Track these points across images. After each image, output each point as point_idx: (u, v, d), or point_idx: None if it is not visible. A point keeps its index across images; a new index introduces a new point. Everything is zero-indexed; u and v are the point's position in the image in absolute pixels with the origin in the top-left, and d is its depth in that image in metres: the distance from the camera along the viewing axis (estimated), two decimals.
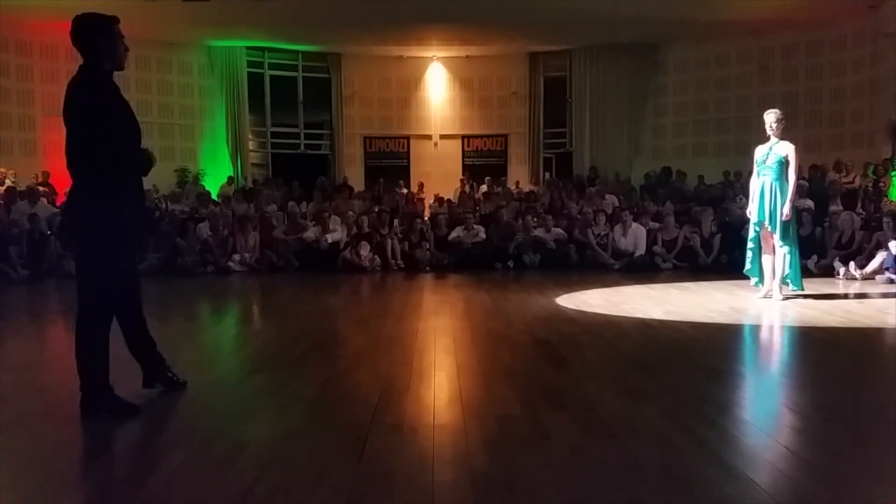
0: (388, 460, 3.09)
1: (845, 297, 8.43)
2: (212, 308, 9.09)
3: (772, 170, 7.51)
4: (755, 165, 7.67)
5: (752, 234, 7.75)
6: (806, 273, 10.63)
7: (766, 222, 7.51)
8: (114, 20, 3.71)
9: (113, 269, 3.75)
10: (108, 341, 3.84)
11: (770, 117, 7.66)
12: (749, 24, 15.42)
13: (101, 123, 3.59)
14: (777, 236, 7.48)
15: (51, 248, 11.71)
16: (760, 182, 7.59)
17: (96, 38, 3.66)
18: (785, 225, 7.45)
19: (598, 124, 18.22)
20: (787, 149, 7.54)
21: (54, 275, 11.37)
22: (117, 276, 3.80)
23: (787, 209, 7.40)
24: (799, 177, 7.82)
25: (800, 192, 13.07)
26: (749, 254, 7.85)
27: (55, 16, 14.45)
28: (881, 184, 12.73)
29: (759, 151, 7.70)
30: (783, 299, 7.54)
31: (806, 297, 7.85)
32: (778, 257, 7.56)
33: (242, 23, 15.59)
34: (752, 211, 7.68)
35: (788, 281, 7.69)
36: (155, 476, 2.93)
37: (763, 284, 7.79)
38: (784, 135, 7.63)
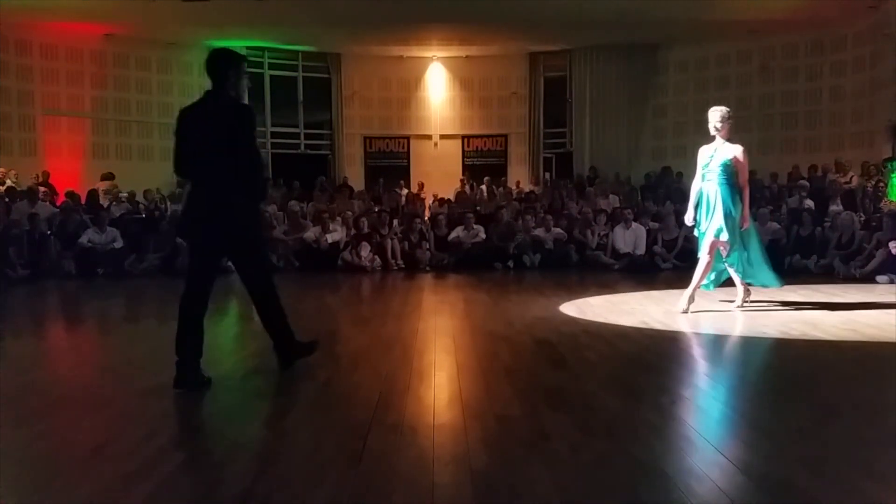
0: (388, 460, 3.09)
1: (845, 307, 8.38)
2: (212, 308, 9.06)
3: (715, 174, 6.80)
4: (699, 168, 6.97)
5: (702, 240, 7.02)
6: (805, 273, 10.66)
7: (703, 229, 6.85)
8: (244, 59, 4.53)
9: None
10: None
11: (714, 116, 6.87)
12: (749, 24, 15.40)
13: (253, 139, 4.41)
14: (728, 243, 6.78)
15: (51, 248, 11.71)
16: (704, 187, 6.87)
17: (227, 69, 4.34)
18: (741, 231, 6.83)
19: (598, 124, 18.20)
20: (733, 151, 6.80)
21: (54, 275, 11.37)
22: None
23: (744, 219, 6.78)
24: (749, 181, 7.01)
25: (800, 191, 13.15)
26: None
27: (55, 16, 14.46)
28: (880, 183, 12.72)
29: (704, 153, 6.96)
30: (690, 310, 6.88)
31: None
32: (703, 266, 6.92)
33: (242, 23, 15.57)
34: (688, 217, 6.99)
35: (759, 284, 7.22)
36: (155, 476, 2.93)
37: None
38: (733, 136, 6.96)
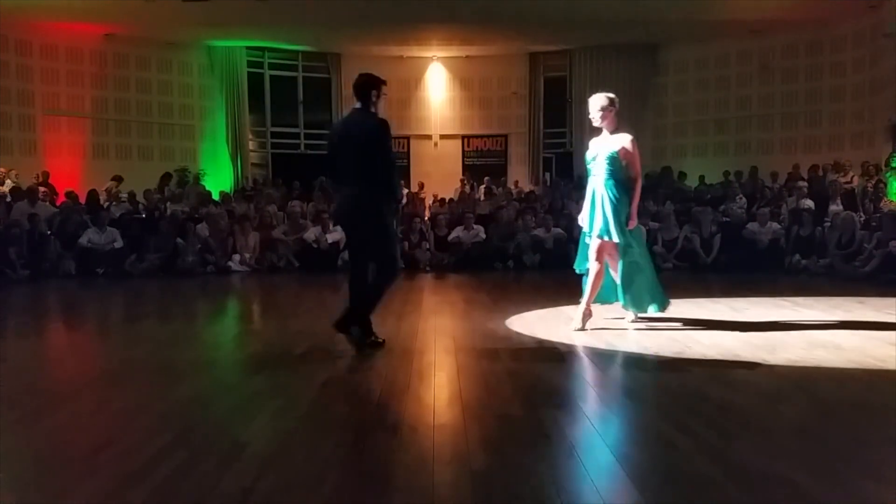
0: (388, 460, 3.09)
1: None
2: (212, 308, 9.09)
3: (602, 168, 6.02)
4: (585, 164, 6.23)
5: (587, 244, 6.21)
6: (806, 273, 10.68)
7: (598, 231, 6.00)
8: (384, 82, 5.37)
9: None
10: None
11: (593, 105, 6.05)
12: (749, 24, 15.41)
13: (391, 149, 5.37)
14: (617, 245, 5.99)
15: (51, 248, 11.71)
16: (590, 183, 6.11)
17: (371, 90, 5.25)
18: (630, 233, 6.01)
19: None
20: (620, 142, 6.00)
21: (54, 275, 11.37)
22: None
23: (631, 217, 5.96)
24: (641, 175, 6.15)
25: (798, 192, 13.15)
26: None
27: (55, 16, 14.47)
28: (880, 184, 12.73)
29: (591, 147, 6.16)
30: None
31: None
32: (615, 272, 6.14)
33: (242, 23, 15.59)
34: (582, 218, 6.21)
35: (633, 308, 6.27)
36: (155, 476, 2.93)
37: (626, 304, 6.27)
38: (623, 126, 6.14)
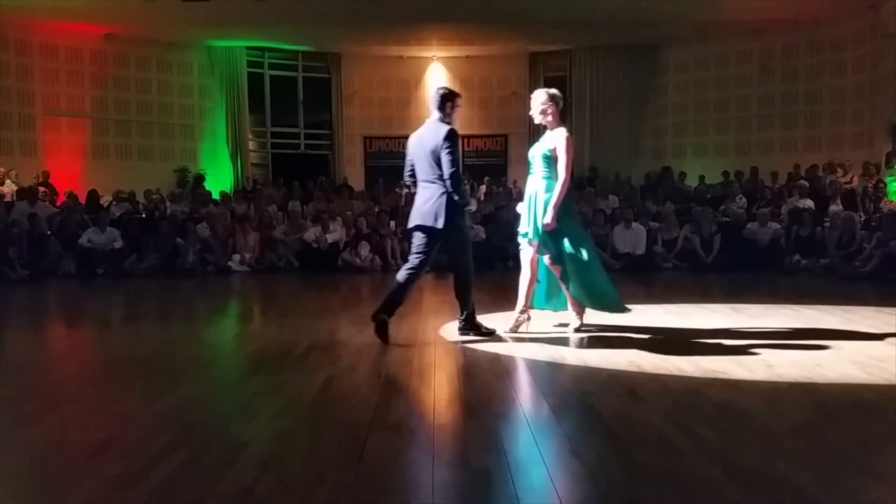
0: (388, 460, 3.09)
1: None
2: (212, 308, 9.09)
3: (539, 167, 5.83)
4: (528, 164, 6.01)
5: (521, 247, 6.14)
6: (806, 273, 10.68)
7: (531, 234, 5.88)
8: (458, 95, 5.84)
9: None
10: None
11: (533, 101, 5.92)
12: (749, 24, 15.41)
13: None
14: (546, 249, 5.82)
15: (51, 248, 11.71)
16: (529, 183, 5.94)
17: (446, 102, 5.71)
18: (558, 235, 5.73)
19: (598, 124, 18.21)
20: (555, 139, 5.76)
21: (54, 275, 11.37)
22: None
23: (548, 215, 5.65)
24: (569, 174, 5.75)
25: (800, 192, 13.14)
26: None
27: (55, 16, 14.47)
28: (880, 183, 12.73)
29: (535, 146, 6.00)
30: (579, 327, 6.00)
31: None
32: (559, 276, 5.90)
33: (242, 23, 15.59)
34: (522, 223, 6.03)
35: (599, 307, 6.01)
36: (155, 476, 2.93)
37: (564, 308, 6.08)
38: (561, 122, 5.94)
